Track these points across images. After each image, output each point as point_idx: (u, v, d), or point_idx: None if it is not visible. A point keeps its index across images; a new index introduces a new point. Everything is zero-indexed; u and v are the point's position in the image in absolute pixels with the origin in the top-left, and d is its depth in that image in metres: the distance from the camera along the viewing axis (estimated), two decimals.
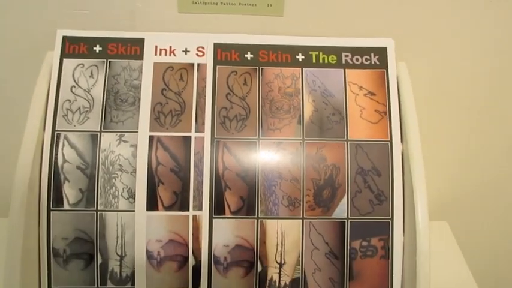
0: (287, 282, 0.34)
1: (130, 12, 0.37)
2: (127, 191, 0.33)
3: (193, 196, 0.34)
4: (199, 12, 0.38)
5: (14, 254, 0.31)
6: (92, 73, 0.35)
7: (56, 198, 0.33)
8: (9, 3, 0.37)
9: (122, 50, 0.36)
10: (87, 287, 0.33)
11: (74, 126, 0.34)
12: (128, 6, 0.38)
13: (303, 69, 0.36)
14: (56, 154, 0.33)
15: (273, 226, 0.34)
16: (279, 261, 0.34)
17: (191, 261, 0.34)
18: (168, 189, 0.33)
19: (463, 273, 0.46)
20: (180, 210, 0.34)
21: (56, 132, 0.34)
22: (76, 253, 0.33)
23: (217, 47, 0.36)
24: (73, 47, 0.35)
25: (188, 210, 0.34)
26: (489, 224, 0.54)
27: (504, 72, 0.45)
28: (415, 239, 0.33)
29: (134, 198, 0.33)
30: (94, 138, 0.34)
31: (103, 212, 0.33)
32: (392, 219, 0.34)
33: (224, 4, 0.38)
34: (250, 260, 0.34)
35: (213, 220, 0.34)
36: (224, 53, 0.36)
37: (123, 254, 0.33)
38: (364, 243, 0.34)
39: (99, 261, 0.33)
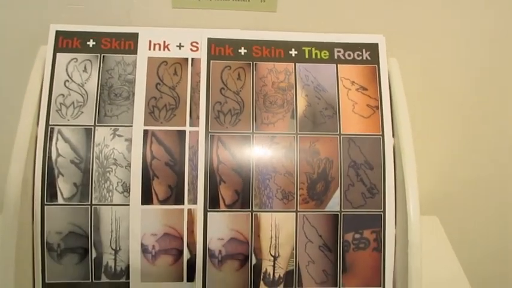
0: (281, 275, 0.34)
1: (125, 7, 0.37)
2: (121, 185, 0.33)
3: (188, 190, 0.34)
4: (193, 7, 0.38)
5: (8, 248, 0.31)
6: (85, 67, 0.35)
7: (50, 192, 0.33)
8: None
9: (116, 44, 0.36)
10: (81, 281, 0.33)
11: (68, 120, 0.34)
12: (122, 1, 0.38)
13: (296, 64, 0.37)
14: (50, 149, 0.33)
15: (267, 219, 0.34)
16: (273, 254, 0.34)
17: (186, 254, 0.34)
18: (163, 183, 0.34)
19: (453, 267, 0.47)
20: (174, 204, 0.34)
21: (49, 127, 0.34)
22: (70, 247, 0.33)
23: (211, 42, 0.36)
24: (66, 42, 0.35)
25: (183, 204, 0.34)
26: (479, 219, 0.55)
27: (494, 68, 0.46)
28: (407, 231, 0.33)
29: (129, 192, 0.33)
30: (88, 133, 0.34)
31: (97, 206, 0.33)
32: (384, 212, 0.35)
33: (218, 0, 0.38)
34: (244, 253, 0.34)
35: (208, 214, 0.34)
36: (218, 48, 0.36)
37: (118, 248, 0.33)
38: (357, 236, 0.35)
39: (94, 255, 0.33)
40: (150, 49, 0.36)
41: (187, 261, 0.34)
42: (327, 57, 0.37)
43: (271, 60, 0.37)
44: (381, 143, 0.36)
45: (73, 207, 0.33)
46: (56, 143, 0.33)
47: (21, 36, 0.38)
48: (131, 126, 0.34)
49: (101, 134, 0.34)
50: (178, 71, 0.35)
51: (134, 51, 0.36)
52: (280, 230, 0.34)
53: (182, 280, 0.34)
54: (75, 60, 0.35)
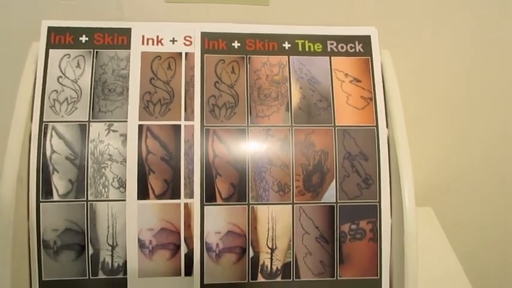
0: (279, 267, 0.35)
1: (117, 2, 0.37)
2: (117, 180, 0.33)
3: (184, 184, 0.34)
4: (185, 1, 0.38)
5: (4, 247, 0.30)
6: (78, 63, 0.35)
7: (45, 189, 0.33)
8: None
9: (109, 40, 0.35)
10: (78, 278, 0.33)
11: (62, 116, 0.34)
12: None
13: (290, 57, 0.37)
14: (44, 145, 0.33)
15: (264, 212, 0.34)
16: (270, 246, 0.34)
17: (183, 249, 0.34)
18: (159, 177, 0.34)
19: (448, 257, 0.48)
20: (171, 198, 0.34)
21: (43, 123, 0.33)
22: (67, 244, 0.33)
23: (205, 36, 0.36)
24: (59, 38, 0.35)
25: (179, 198, 0.34)
26: (473, 209, 0.56)
27: (485, 60, 0.47)
28: (402, 221, 0.33)
29: (125, 188, 0.33)
30: (83, 129, 0.34)
31: (93, 202, 0.33)
32: (380, 202, 0.35)
33: None
34: (242, 246, 0.34)
35: (205, 207, 0.34)
36: (211, 42, 0.36)
37: (115, 244, 0.33)
38: (353, 227, 0.35)
39: (91, 251, 0.33)
40: (143, 44, 0.35)
41: (185, 255, 0.34)
42: (320, 49, 0.37)
43: (265, 53, 0.37)
44: (375, 134, 0.36)
45: (69, 203, 0.33)
46: (51, 140, 0.33)
47: (13, 33, 0.38)
48: (126, 121, 0.34)
49: (96, 129, 0.34)
50: (172, 66, 0.35)
51: (127, 46, 0.35)
52: (277, 222, 0.34)
53: (180, 275, 0.34)
54: (68, 56, 0.35)
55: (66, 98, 0.34)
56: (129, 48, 0.35)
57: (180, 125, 0.34)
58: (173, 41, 0.36)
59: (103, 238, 0.33)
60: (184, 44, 0.36)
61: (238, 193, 0.34)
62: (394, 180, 0.35)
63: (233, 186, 0.34)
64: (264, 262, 0.34)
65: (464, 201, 0.56)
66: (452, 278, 0.45)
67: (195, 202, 0.34)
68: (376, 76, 0.37)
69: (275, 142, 0.35)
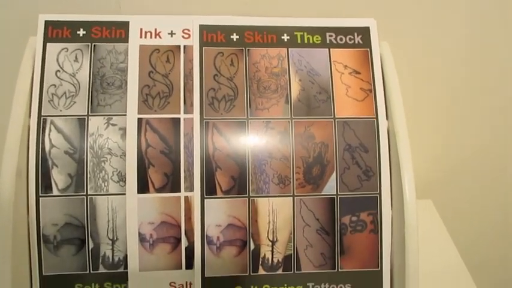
0: (280, 259, 0.35)
1: None
2: (117, 174, 0.33)
3: (184, 177, 0.34)
4: None
5: (4, 242, 0.30)
6: (76, 57, 0.34)
7: (45, 184, 0.33)
8: None
9: (107, 33, 0.35)
10: (79, 272, 0.33)
11: (61, 111, 0.33)
12: None
13: (289, 49, 0.37)
14: (43, 140, 0.33)
15: (264, 204, 0.34)
16: (271, 239, 0.34)
17: (184, 242, 0.34)
18: (159, 171, 0.33)
19: (448, 249, 0.48)
20: (171, 191, 0.34)
21: (42, 118, 0.33)
22: (67, 239, 0.33)
23: (203, 28, 0.36)
24: (56, 32, 0.35)
25: (179, 191, 0.34)
26: (473, 201, 0.56)
27: (484, 51, 0.46)
28: (403, 212, 0.33)
29: (124, 182, 0.33)
30: (81, 123, 0.33)
31: (93, 196, 0.33)
32: (380, 194, 0.35)
33: None
34: (242, 238, 0.34)
35: (205, 200, 0.34)
36: (210, 35, 0.36)
37: (115, 238, 0.33)
38: (354, 219, 0.35)
39: (91, 246, 0.33)
40: (141, 37, 0.35)
41: (186, 248, 0.34)
42: (319, 41, 0.37)
43: (264, 45, 0.36)
44: (375, 126, 0.36)
45: (68, 198, 0.33)
46: (49, 134, 0.33)
47: (10, 27, 0.37)
48: (125, 115, 0.34)
49: (95, 123, 0.33)
50: (171, 59, 0.35)
51: (125, 39, 0.35)
52: (277, 215, 0.34)
53: (181, 268, 0.34)
54: (65, 50, 0.34)
55: (65, 92, 0.34)
56: (127, 42, 0.35)
57: (179, 118, 0.34)
58: (171, 34, 0.36)
59: (103, 232, 0.33)
60: (183, 36, 0.36)
61: (239, 186, 0.34)
62: (395, 172, 0.35)
63: (233, 179, 0.34)
64: (265, 255, 0.34)
65: (464, 193, 0.56)
66: (453, 270, 0.45)
67: (195, 195, 0.34)
68: (375, 68, 0.37)
69: (275, 135, 0.35)
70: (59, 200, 0.33)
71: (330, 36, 0.37)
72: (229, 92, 0.35)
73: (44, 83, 0.34)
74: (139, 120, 0.34)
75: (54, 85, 0.34)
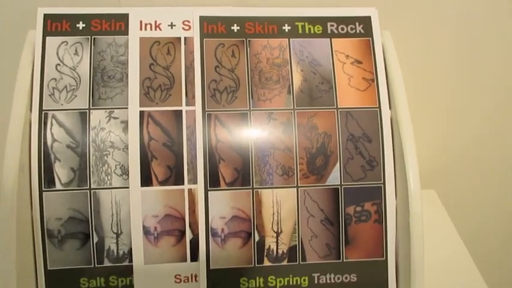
0: (284, 251, 0.34)
1: None
2: (120, 167, 0.33)
3: (188, 170, 0.34)
4: None
5: (9, 238, 0.30)
6: (76, 50, 0.34)
7: (48, 178, 0.32)
8: None
9: (106, 26, 0.35)
10: (84, 266, 0.33)
11: (62, 105, 0.33)
12: None
13: (290, 39, 0.36)
14: (45, 134, 0.33)
15: (268, 196, 0.34)
16: (275, 230, 0.34)
17: (188, 234, 0.34)
18: (162, 164, 0.33)
19: (453, 239, 0.48)
20: (174, 184, 0.33)
21: (43, 112, 0.33)
22: (71, 233, 0.33)
23: (203, 20, 0.36)
24: (55, 25, 0.35)
25: (183, 184, 0.33)
26: (476, 191, 0.56)
27: (487, 40, 0.46)
28: (407, 202, 0.33)
29: (128, 175, 0.33)
30: (83, 116, 0.33)
31: (96, 190, 0.33)
32: (384, 183, 0.35)
33: None
34: (247, 230, 0.34)
35: (209, 193, 0.34)
36: (210, 26, 0.36)
37: (119, 232, 0.33)
38: (358, 209, 0.35)
39: (95, 239, 0.33)
40: (141, 29, 0.35)
41: (190, 241, 0.34)
42: (320, 31, 0.37)
43: (265, 36, 0.36)
44: (378, 116, 0.35)
45: (72, 192, 0.33)
46: (51, 128, 0.33)
47: (8, 21, 0.37)
48: (127, 108, 0.34)
49: (96, 117, 0.33)
50: (172, 51, 0.35)
51: (125, 32, 0.35)
52: (281, 206, 0.34)
53: (186, 260, 0.34)
54: (65, 43, 0.34)
55: (65, 86, 0.33)
56: (127, 34, 0.35)
57: (181, 111, 0.34)
58: (171, 25, 0.35)
59: (107, 226, 0.33)
60: (183, 28, 0.36)
61: (242, 178, 0.34)
62: (398, 161, 0.35)
63: (237, 171, 0.34)
64: (269, 246, 0.34)
65: (467, 183, 0.56)
66: (458, 260, 0.45)
67: (199, 188, 0.33)
68: (377, 57, 0.36)
69: (278, 126, 0.35)
70: (62, 194, 0.33)
71: (331, 26, 0.37)
72: (231, 83, 0.35)
73: (45, 77, 0.34)
74: (141, 113, 0.34)
75: (55, 79, 0.34)
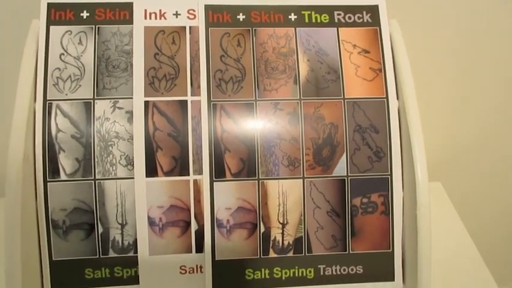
0: (290, 242, 0.34)
1: None
2: (125, 158, 0.33)
3: (193, 160, 0.33)
4: None
5: (13, 228, 0.30)
6: (80, 40, 0.34)
7: (52, 169, 0.32)
8: None
9: (110, 15, 0.34)
10: (89, 257, 0.33)
11: (66, 94, 0.33)
12: None
13: (296, 28, 0.36)
14: (49, 124, 0.32)
15: (274, 187, 0.34)
16: (281, 222, 0.34)
17: (193, 225, 0.34)
18: (167, 154, 0.33)
19: (459, 231, 0.47)
20: (180, 175, 0.33)
21: (47, 102, 0.33)
22: (76, 223, 0.33)
23: (209, 9, 0.35)
24: (59, 14, 0.34)
25: (188, 174, 0.33)
26: (482, 182, 0.56)
27: (495, 30, 0.45)
28: (414, 193, 0.33)
29: (133, 165, 0.33)
30: (87, 106, 0.33)
31: (101, 181, 0.33)
32: (391, 175, 0.35)
33: None
34: (253, 221, 0.34)
35: (214, 183, 0.33)
36: (216, 15, 0.35)
37: (124, 222, 0.33)
38: (365, 200, 0.35)
39: (100, 230, 0.33)
40: (146, 18, 0.35)
41: (195, 232, 0.34)
42: (327, 20, 0.36)
43: (271, 25, 0.36)
44: (386, 106, 0.35)
45: (76, 183, 0.33)
46: (55, 118, 0.33)
47: (12, 10, 0.37)
48: (131, 98, 0.33)
49: (101, 107, 0.33)
50: (177, 40, 0.34)
51: (130, 21, 0.34)
52: (287, 197, 0.34)
53: (191, 251, 0.34)
54: (69, 32, 0.34)
55: (70, 76, 0.33)
56: (132, 23, 0.34)
57: (186, 101, 0.34)
58: (176, 14, 0.35)
59: (112, 217, 0.33)
60: (188, 17, 0.35)
61: (248, 168, 0.34)
62: (406, 152, 0.35)
63: (242, 162, 0.33)
64: (275, 237, 0.34)
65: (473, 175, 0.55)
66: (463, 252, 0.45)
67: (204, 178, 0.33)
68: (385, 47, 0.36)
69: (284, 116, 0.34)
70: (67, 184, 0.32)
71: (338, 14, 0.36)
72: (237, 73, 0.34)
73: (49, 67, 0.33)
74: (146, 103, 0.33)
75: (59, 68, 0.33)
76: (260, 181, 0.34)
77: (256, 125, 0.34)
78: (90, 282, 0.33)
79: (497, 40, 0.46)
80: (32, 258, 0.32)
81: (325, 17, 0.36)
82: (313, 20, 0.36)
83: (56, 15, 0.34)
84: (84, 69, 0.33)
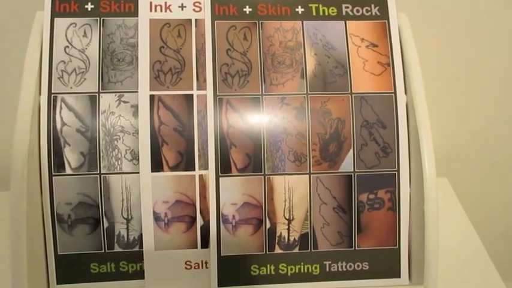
0: (296, 238, 0.34)
1: None
2: (130, 152, 0.32)
3: (199, 155, 0.33)
4: None
5: (19, 222, 0.30)
6: (85, 32, 0.33)
7: (57, 163, 0.32)
8: None
9: (115, 7, 0.34)
10: (94, 251, 0.33)
11: (71, 88, 0.33)
12: None
13: (304, 22, 0.35)
14: (54, 118, 0.32)
15: (280, 182, 0.33)
16: (287, 217, 0.34)
17: (199, 221, 0.33)
18: (173, 149, 0.33)
19: (465, 227, 0.47)
20: (185, 170, 0.33)
21: (52, 95, 0.32)
22: (81, 218, 0.33)
23: (215, 1, 0.35)
24: (64, 6, 0.34)
25: (194, 169, 0.33)
26: (487, 178, 0.55)
27: (504, 26, 0.45)
28: (422, 189, 0.33)
29: (138, 160, 0.32)
30: (93, 100, 0.33)
31: (107, 175, 0.32)
32: (398, 171, 0.34)
33: None
34: (258, 217, 0.34)
35: (220, 179, 0.33)
36: (222, 8, 0.35)
37: (130, 217, 0.33)
38: (371, 196, 0.34)
39: (105, 225, 0.33)
40: (151, 11, 0.34)
41: (201, 227, 0.33)
42: (334, 13, 0.36)
43: (278, 18, 0.35)
44: (394, 101, 0.35)
45: (81, 177, 0.32)
46: (60, 112, 0.32)
47: (16, 2, 0.36)
48: (137, 91, 0.33)
49: (106, 101, 0.33)
50: (182, 33, 0.34)
51: (135, 13, 0.34)
52: (293, 193, 0.34)
53: (196, 247, 0.33)
54: (74, 25, 0.33)
55: (74, 69, 0.33)
56: (137, 16, 0.34)
57: (192, 95, 0.33)
58: (182, 7, 0.34)
59: (117, 211, 0.33)
60: (194, 10, 0.35)
61: (254, 164, 0.33)
62: (413, 148, 0.34)
63: (248, 157, 0.33)
64: (281, 233, 0.34)
65: (478, 170, 0.55)
66: (469, 247, 0.45)
67: (210, 173, 0.33)
68: (393, 40, 0.35)
69: (290, 111, 0.34)
70: (72, 179, 0.32)
71: (346, 7, 0.36)
72: (243, 67, 0.34)
73: (53, 60, 0.33)
74: (152, 97, 0.33)
75: (64, 61, 0.33)
76: (266, 177, 0.33)
77: (263, 119, 0.33)
78: (95, 277, 0.33)
79: (507, 36, 0.45)
80: (37, 252, 0.32)
81: (332, 10, 0.36)
82: (321, 13, 0.36)
83: (61, 7, 0.34)
84: (89, 62, 0.33)
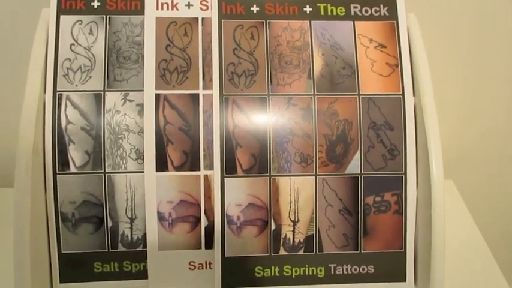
0: (301, 240, 0.34)
1: None
2: (135, 151, 0.32)
3: (204, 155, 0.33)
4: None
5: (23, 220, 0.30)
6: (91, 30, 0.33)
7: (62, 161, 0.32)
8: None
9: (122, 5, 0.34)
10: (98, 251, 0.33)
11: (76, 86, 0.32)
12: None
13: (311, 21, 0.35)
14: (59, 116, 0.32)
15: (285, 184, 0.33)
16: (292, 219, 0.33)
17: (204, 221, 0.33)
18: (178, 148, 0.32)
19: (471, 229, 0.47)
20: (190, 170, 0.33)
21: (57, 93, 0.32)
22: (85, 217, 0.32)
23: (222, 0, 0.34)
24: (69, 3, 0.33)
25: (199, 169, 0.33)
26: (493, 180, 0.55)
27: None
28: (429, 193, 0.32)
29: (143, 159, 0.32)
30: (98, 98, 0.32)
31: (111, 174, 0.32)
32: (405, 173, 0.34)
33: None
34: (263, 218, 0.33)
35: (225, 179, 0.33)
36: (229, 6, 0.34)
37: (134, 217, 0.33)
38: (378, 199, 0.34)
39: (109, 224, 0.33)
40: (157, 9, 0.34)
41: (205, 228, 0.33)
42: (343, 13, 0.35)
43: (285, 17, 0.35)
44: (402, 103, 0.34)
45: (86, 175, 0.32)
46: (65, 110, 0.32)
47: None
48: (142, 90, 0.33)
49: (111, 99, 0.32)
50: (189, 32, 0.34)
51: (141, 11, 0.34)
52: (299, 195, 0.33)
53: (200, 247, 0.33)
54: (79, 22, 0.33)
55: (80, 67, 0.33)
56: (143, 14, 0.34)
57: (198, 94, 0.33)
58: (189, 5, 0.34)
59: (122, 211, 0.33)
60: (201, 8, 0.34)
61: (260, 164, 0.33)
62: (421, 151, 0.34)
63: (254, 158, 0.33)
64: (286, 235, 0.34)
65: (484, 172, 0.55)
66: (474, 250, 0.44)
67: (215, 174, 0.33)
68: (402, 41, 0.35)
69: (297, 111, 0.33)
70: (77, 177, 0.32)
71: (355, 7, 0.35)
72: (250, 66, 0.34)
73: (59, 57, 0.33)
74: (157, 96, 0.33)
75: (69, 59, 0.33)
76: (272, 178, 0.33)
77: (269, 120, 0.33)
78: (98, 276, 0.33)
79: None
80: (40, 250, 0.32)
81: (341, 9, 0.35)
82: (329, 13, 0.35)
83: (67, 4, 0.33)
84: (95, 60, 0.33)
